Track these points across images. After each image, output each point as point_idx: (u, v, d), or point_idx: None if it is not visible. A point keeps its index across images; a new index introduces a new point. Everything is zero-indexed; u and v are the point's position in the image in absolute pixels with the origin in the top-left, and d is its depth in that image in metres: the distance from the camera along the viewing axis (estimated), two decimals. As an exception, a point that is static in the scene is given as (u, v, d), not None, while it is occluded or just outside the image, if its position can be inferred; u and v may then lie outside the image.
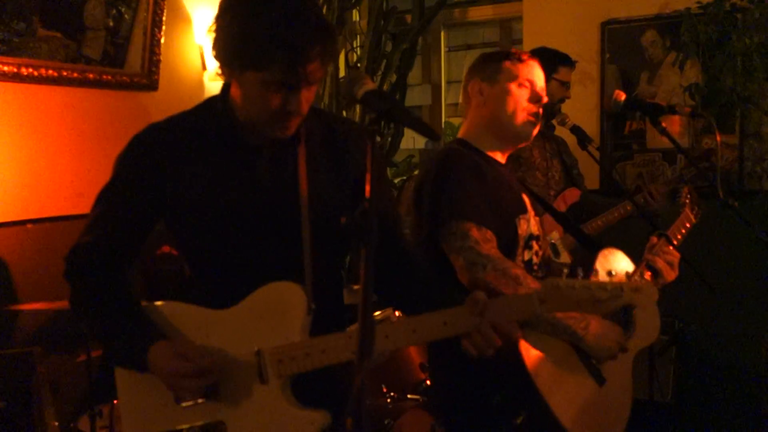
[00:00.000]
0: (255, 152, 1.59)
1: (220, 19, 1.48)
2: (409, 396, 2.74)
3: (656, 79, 3.78)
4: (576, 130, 2.63)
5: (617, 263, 2.10)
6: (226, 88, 1.59)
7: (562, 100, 3.11)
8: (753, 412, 3.51)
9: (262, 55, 1.41)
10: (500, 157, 2.11)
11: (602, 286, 1.48)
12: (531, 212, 2.10)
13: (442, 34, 4.88)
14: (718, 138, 2.27)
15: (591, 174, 3.35)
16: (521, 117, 2.01)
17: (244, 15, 1.43)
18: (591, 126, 3.80)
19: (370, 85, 1.38)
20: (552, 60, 3.05)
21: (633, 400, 2.16)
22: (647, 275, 2.11)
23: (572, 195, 3.06)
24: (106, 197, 1.62)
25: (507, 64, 2.04)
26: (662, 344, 3.34)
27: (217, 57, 1.51)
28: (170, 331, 1.56)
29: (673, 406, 3.44)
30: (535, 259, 2.09)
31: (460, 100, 2.20)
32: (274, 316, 1.54)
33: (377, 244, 1.15)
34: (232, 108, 1.57)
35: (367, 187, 1.20)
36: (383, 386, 2.80)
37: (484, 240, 1.89)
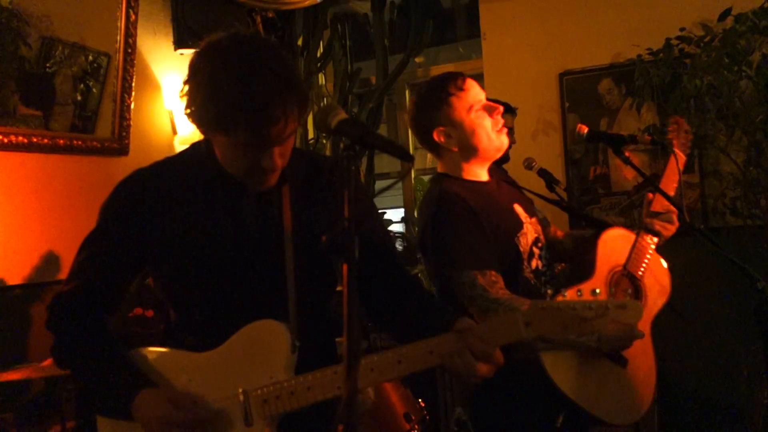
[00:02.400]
0: (240, 194, 1.59)
1: (187, 83, 1.49)
2: (394, 447, 2.69)
3: (615, 125, 3.92)
4: (543, 173, 2.71)
5: (618, 246, 2.15)
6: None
7: (509, 147, 3.21)
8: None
9: (226, 120, 1.42)
10: (483, 175, 2.19)
11: (587, 305, 1.48)
12: (526, 221, 2.17)
13: (407, 93, 5.01)
14: (681, 163, 2.31)
15: (561, 215, 3.41)
16: (494, 136, 2.11)
17: (206, 80, 1.43)
18: (556, 172, 3.87)
19: (342, 115, 1.41)
20: None
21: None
22: (649, 237, 2.16)
23: None
24: (90, 244, 1.61)
25: (454, 100, 2.09)
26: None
27: (189, 118, 1.52)
28: (153, 377, 1.53)
29: (659, 443, 3.42)
30: (540, 265, 2.16)
31: (425, 152, 2.27)
32: (257, 356, 1.52)
33: (359, 262, 1.17)
34: (215, 153, 1.57)
35: (346, 206, 1.22)
36: (368, 439, 2.74)
37: (491, 284, 1.96)
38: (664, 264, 2.29)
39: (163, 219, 1.57)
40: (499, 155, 2.19)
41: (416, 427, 2.83)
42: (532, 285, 2.12)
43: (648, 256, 2.18)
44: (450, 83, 2.10)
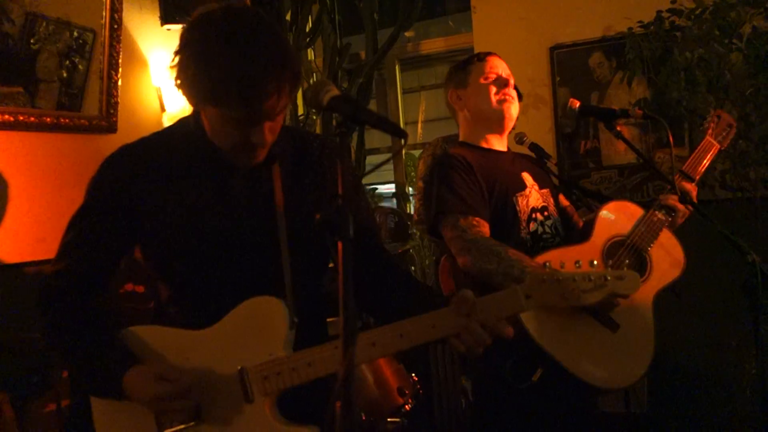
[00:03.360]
0: (230, 171, 1.58)
1: (179, 53, 1.47)
2: (389, 420, 2.72)
3: (606, 99, 3.92)
4: (534, 147, 2.70)
5: (621, 218, 2.20)
6: (197, 111, 1.60)
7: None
8: (727, 417, 3.56)
9: (218, 92, 1.41)
10: (498, 144, 2.36)
11: (586, 276, 1.51)
12: (533, 187, 2.29)
13: (397, 68, 4.98)
14: (671, 137, 2.34)
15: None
16: (495, 102, 2.29)
17: (200, 52, 1.42)
18: (547, 146, 3.84)
19: (334, 91, 1.40)
20: None
21: (609, 413, 2.19)
22: (662, 214, 2.22)
23: None
24: (77, 222, 1.59)
25: (471, 67, 2.35)
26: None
27: (179, 89, 1.50)
28: (149, 356, 1.52)
29: (649, 416, 3.47)
30: (541, 230, 2.24)
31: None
32: (255, 333, 1.51)
33: (353, 241, 1.17)
34: (204, 128, 1.57)
35: (340, 183, 1.22)
36: (362, 414, 2.77)
37: (470, 226, 2.09)
38: (677, 241, 2.31)
39: (152, 195, 1.55)
40: (506, 124, 2.33)
41: (410, 401, 2.86)
42: (526, 247, 2.17)
43: (659, 231, 2.20)
44: (477, 55, 2.39)
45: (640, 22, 3.62)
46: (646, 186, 3.81)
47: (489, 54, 2.38)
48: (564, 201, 2.49)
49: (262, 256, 1.58)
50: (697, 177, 2.30)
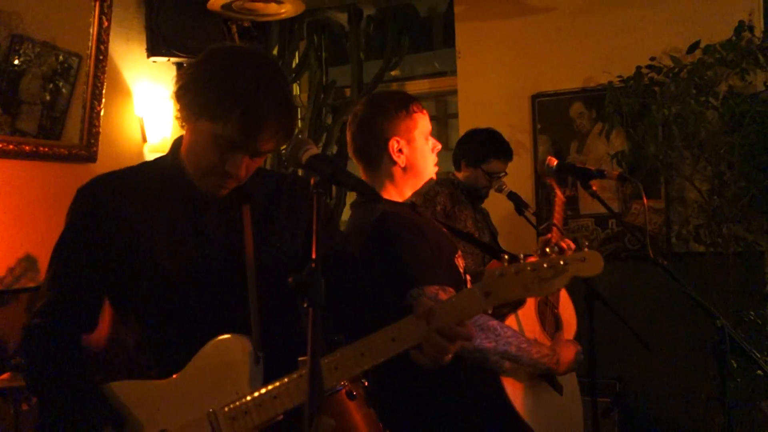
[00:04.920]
0: (204, 207, 1.58)
1: (199, 64, 1.52)
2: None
3: (585, 148, 3.98)
4: (513, 196, 2.74)
5: None
6: (177, 144, 1.62)
7: (486, 188, 3.25)
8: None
9: (222, 109, 1.44)
10: (402, 197, 2.13)
11: (545, 262, 1.41)
12: (457, 245, 2.21)
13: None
14: (645, 200, 2.38)
15: (529, 239, 3.45)
16: (432, 165, 2.13)
17: (221, 67, 1.48)
18: (526, 193, 3.94)
19: (313, 150, 1.42)
20: (482, 150, 3.25)
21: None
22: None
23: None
24: (58, 255, 1.58)
25: (418, 118, 2.09)
26: (605, 407, 3.39)
27: (179, 97, 1.52)
28: (122, 412, 1.49)
29: (618, 467, 3.47)
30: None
31: (359, 156, 2.14)
32: (221, 373, 1.49)
33: (324, 304, 1.17)
34: (182, 162, 1.58)
35: (314, 247, 1.22)
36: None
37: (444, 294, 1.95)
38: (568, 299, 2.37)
39: (125, 225, 1.54)
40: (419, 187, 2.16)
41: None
42: None
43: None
44: (414, 103, 2.10)
45: (619, 76, 3.69)
46: (623, 238, 3.85)
47: (421, 106, 2.13)
48: None
49: (232, 292, 1.57)
50: (562, 227, 2.35)
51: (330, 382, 1.44)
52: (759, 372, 2.11)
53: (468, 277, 2.13)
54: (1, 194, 3.13)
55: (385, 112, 2.08)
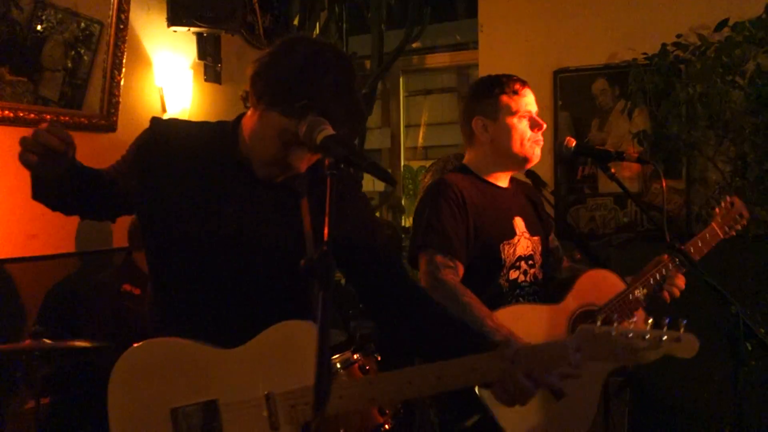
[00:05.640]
0: (253, 184, 1.59)
1: (280, 53, 1.53)
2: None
3: (606, 126, 3.92)
4: (530, 174, 2.71)
5: (600, 287, 2.16)
6: (238, 119, 1.64)
7: None
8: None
9: (297, 109, 1.45)
10: (502, 180, 2.28)
11: (641, 334, 1.44)
12: (522, 235, 2.23)
13: (401, 79, 4.98)
14: (664, 183, 2.35)
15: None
16: (527, 145, 2.20)
17: (302, 65, 1.49)
18: (545, 171, 3.90)
19: (328, 131, 1.41)
20: None
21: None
22: (639, 294, 2.17)
23: None
24: (126, 152, 1.65)
25: (504, 99, 2.19)
26: (617, 385, 3.39)
27: (255, 81, 1.54)
28: (170, 370, 1.49)
29: (628, 446, 3.48)
30: (522, 278, 2.21)
31: (463, 135, 2.32)
32: (285, 358, 1.46)
33: (335, 287, 1.17)
34: (239, 137, 1.60)
35: (326, 230, 1.22)
36: (341, 430, 2.78)
37: (445, 266, 2.04)
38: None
39: (169, 171, 1.57)
40: (525, 166, 2.26)
41: (390, 421, 2.86)
42: (503, 292, 2.16)
43: (633, 311, 2.15)
44: (508, 83, 2.21)
45: (644, 53, 3.62)
46: (641, 218, 3.81)
47: (523, 84, 2.23)
48: (554, 242, 2.47)
49: (285, 271, 1.55)
50: (694, 259, 2.26)
51: (399, 395, 1.48)
52: (773, 356, 2.09)
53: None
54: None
55: (472, 92, 2.28)
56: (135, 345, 1.52)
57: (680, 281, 2.24)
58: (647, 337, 1.44)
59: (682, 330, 1.49)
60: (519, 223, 2.24)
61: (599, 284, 2.19)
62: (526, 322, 2.10)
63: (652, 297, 2.24)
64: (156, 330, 1.59)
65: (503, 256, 2.17)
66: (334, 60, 1.53)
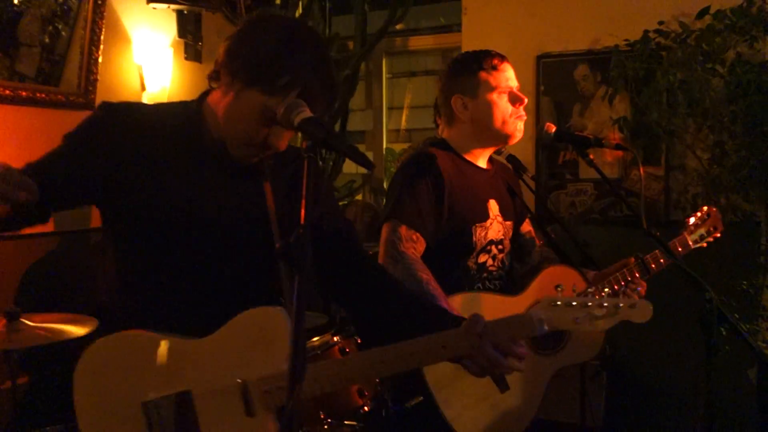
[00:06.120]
0: (219, 165, 1.57)
1: (255, 30, 1.52)
2: (346, 422, 2.73)
3: (588, 112, 3.94)
4: (512, 159, 2.70)
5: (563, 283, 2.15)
6: (202, 97, 1.60)
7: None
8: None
9: (280, 87, 1.45)
10: (482, 159, 2.25)
11: (599, 302, 1.51)
12: (495, 218, 2.21)
13: (384, 61, 4.96)
14: (642, 170, 2.38)
15: (527, 203, 3.44)
16: (508, 121, 2.17)
17: (281, 42, 1.48)
18: (527, 155, 3.92)
19: (306, 113, 1.40)
20: None
21: (564, 423, 2.20)
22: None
23: None
24: (65, 140, 1.56)
25: (483, 74, 2.16)
26: (593, 369, 3.43)
27: (227, 62, 1.51)
28: (138, 363, 1.47)
29: (604, 430, 3.53)
30: (490, 262, 2.20)
31: (439, 114, 2.28)
32: (256, 345, 1.46)
33: (312, 270, 1.17)
34: (203, 117, 1.57)
35: (302, 213, 1.21)
36: (321, 413, 2.79)
37: (408, 239, 2.01)
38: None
39: (133, 156, 1.52)
40: (508, 142, 2.22)
41: (369, 403, 2.87)
42: (469, 275, 2.16)
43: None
44: (486, 59, 2.17)
45: (626, 40, 3.63)
46: (620, 205, 3.84)
47: (502, 59, 2.20)
48: (527, 227, 2.46)
49: (252, 256, 1.56)
50: (655, 272, 2.27)
51: (373, 373, 1.51)
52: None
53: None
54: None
55: (451, 71, 2.21)
56: (99, 339, 1.50)
57: (642, 289, 2.25)
58: (605, 304, 1.51)
59: (636, 296, 1.56)
60: (493, 206, 2.23)
61: (560, 281, 2.18)
62: (483, 311, 2.09)
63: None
64: (123, 320, 1.54)
65: (474, 239, 2.15)
66: (309, 35, 1.54)
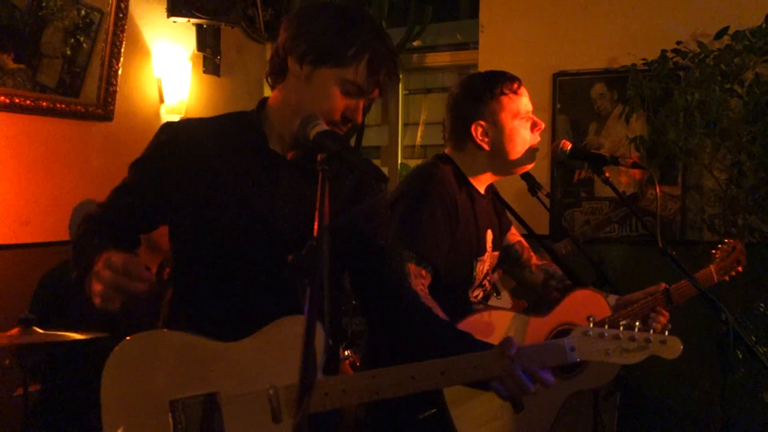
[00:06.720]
0: (278, 165, 1.59)
1: (311, 15, 1.58)
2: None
3: (604, 131, 3.93)
4: (526, 176, 2.70)
5: (583, 308, 2.12)
6: (262, 105, 1.65)
7: None
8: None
9: (353, 55, 1.52)
10: (483, 184, 2.16)
11: (630, 336, 1.54)
12: (489, 251, 2.15)
13: (401, 77, 4.97)
14: (658, 189, 2.36)
15: (541, 220, 3.43)
16: (528, 150, 2.10)
17: (341, 18, 1.56)
18: (542, 173, 3.91)
19: (322, 126, 1.41)
20: None
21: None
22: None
23: None
24: (134, 168, 1.62)
25: (505, 100, 2.05)
26: (607, 389, 3.40)
27: (292, 48, 1.55)
28: (168, 362, 1.47)
29: (616, 451, 3.49)
30: (480, 295, 2.16)
31: (448, 135, 2.17)
32: (289, 352, 1.40)
33: (323, 283, 1.17)
34: (266, 121, 1.62)
35: (316, 225, 1.21)
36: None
37: (417, 276, 1.93)
38: None
39: (198, 169, 1.56)
40: (518, 173, 2.16)
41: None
42: (468, 310, 2.08)
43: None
44: (506, 82, 2.07)
45: (643, 59, 3.62)
46: (636, 223, 3.81)
47: (519, 83, 2.09)
48: (515, 237, 2.38)
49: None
50: (678, 302, 2.26)
51: (404, 389, 1.45)
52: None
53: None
54: (17, 148, 3.16)
55: (469, 94, 2.09)
56: (130, 337, 1.50)
57: (664, 318, 2.22)
58: (636, 338, 1.53)
59: (666, 333, 1.58)
60: (489, 237, 2.16)
61: (587, 305, 2.14)
62: (505, 329, 2.07)
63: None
64: (176, 323, 1.58)
65: (476, 273, 2.10)
66: (359, 10, 1.64)
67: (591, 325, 1.54)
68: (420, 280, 1.93)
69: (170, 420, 1.43)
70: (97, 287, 1.37)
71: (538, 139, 2.13)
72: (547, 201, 2.47)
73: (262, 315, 1.48)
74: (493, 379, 1.51)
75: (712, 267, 2.41)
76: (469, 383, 1.52)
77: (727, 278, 2.45)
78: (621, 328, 1.55)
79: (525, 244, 2.40)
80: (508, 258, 2.37)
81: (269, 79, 1.64)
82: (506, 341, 1.51)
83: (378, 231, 1.68)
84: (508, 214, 2.35)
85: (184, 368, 1.46)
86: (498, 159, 2.09)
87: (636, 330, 1.55)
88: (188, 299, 1.61)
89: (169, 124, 1.65)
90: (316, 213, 1.23)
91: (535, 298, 2.40)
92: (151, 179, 1.60)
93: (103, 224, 1.60)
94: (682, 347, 1.57)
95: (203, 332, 1.48)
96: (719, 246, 2.46)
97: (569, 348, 1.52)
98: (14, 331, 2.40)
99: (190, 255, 1.60)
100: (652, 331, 1.55)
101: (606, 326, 1.55)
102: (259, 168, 1.58)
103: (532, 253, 2.41)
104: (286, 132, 1.58)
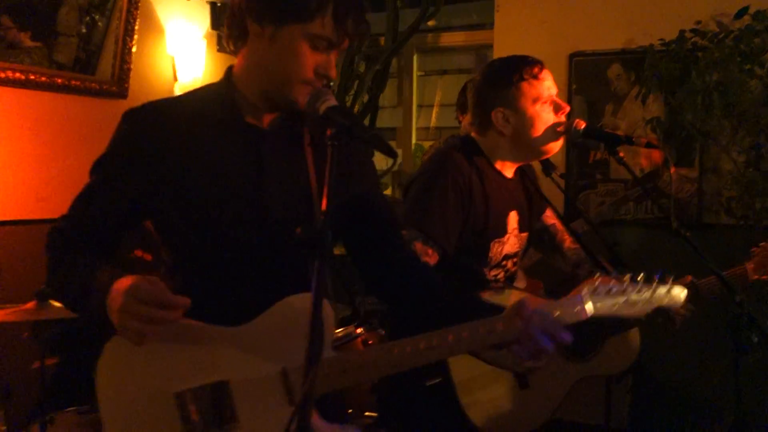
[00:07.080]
0: (259, 140, 1.51)
1: None
2: (366, 414, 2.74)
3: (620, 112, 3.88)
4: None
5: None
6: (227, 74, 1.55)
7: None
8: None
9: (317, 6, 1.41)
10: (509, 168, 2.16)
11: (636, 288, 1.54)
12: (513, 232, 2.14)
13: (415, 58, 4.95)
14: (673, 170, 2.34)
15: (555, 201, 3.41)
16: (550, 133, 2.08)
17: None
18: (557, 154, 3.85)
19: (332, 101, 1.40)
20: None
21: (588, 425, 2.19)
22: None
23: None
24: (96, 172, 1.51)
25: (524, 85, 2.04)
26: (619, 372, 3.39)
27: (250, 9, 1.44)
28: (170, 351, 1.40)
29: (628, 432, 3.49)
30: (501, 275, 2.15)
31: (471, 121, 2.18)
32: (297, 332, 1.33)
33: (332, 257, 1.17)
34: (235, 92, 1.51)
35: (324, 201, 1.21)
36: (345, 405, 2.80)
37: (423, 254, 1.92)
38: (638, 340, 2.28)
39: (171, 154, 1.46)
40: (544, 156, 2.15)
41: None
42: (480, 287, 2.11)
43: (632, 324, 2.17)
44: (526, 68, 2.05)
45: (661, 39, 3.57)
46: (647, 202, 3.77)
47: (541, 67, 2.07)
48: (550, 219, 2.39)
49: (288, 237, 1.44)
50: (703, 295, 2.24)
51: (421, 359, 1.42)
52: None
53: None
54: (32, 125, 3.18)
55: (489, 81, 2.09)
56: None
57: (688, 310, 2.19)
58: (642, 289, 1.53)
59: (670, 282, 1.57)
60: (512, 219, 2.15)
61: None
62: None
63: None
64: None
65: (490, 254, 2.10)
66: None
67: (597, 281, 1.53)
68: (426, 258, 1.92)
69: (178, 413, 1.37)
70: (131, 323, 1.30)
71: (563, 119, 2.10)
72: (561, 182, 2.45)
73: (261, 299, 1.43)
74: (511, 342, 1.46)
75: (747, 265, 2.36)
76: (484, 348, 1.49)
77: (765, 277, 2.38)
78: (626, 282, 1.55)
79: (560, 227, 2.39)
80: (541, 240, 2.36)
81: (230, 44, 1.53)
82: (519, 302, 1.47)
83: (380, 195, 1.66)
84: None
85: (187, 357, 1.39)
86: (520, 144, 2.09)
87: (640, 282, 1.55)
88: (183, 289, 1.49)
89: (132, 112, 1.50)
90: (325, 188, 1.22)
91: (554, 279, 2.39)
92: (119, 179, 1.47)
93: (79, 239, 1.49)
94: (686, 294, 1.57)
95: (202, 320, 1.42)
96: (761, 244, 2.40)
97: (584, 305, 1.50)
98: (31, 304, 2.43)
99: (180, 246, 1.53)
100: (655, 283, 1.55)
101: (612, 281, 1.54)
102: (238, 146, 1.50)
103: (566, 236, 2.40)
104: (258, 100, 1.50)
